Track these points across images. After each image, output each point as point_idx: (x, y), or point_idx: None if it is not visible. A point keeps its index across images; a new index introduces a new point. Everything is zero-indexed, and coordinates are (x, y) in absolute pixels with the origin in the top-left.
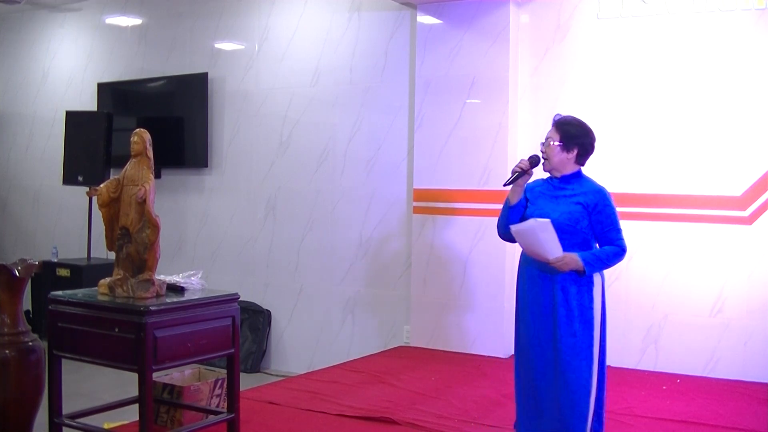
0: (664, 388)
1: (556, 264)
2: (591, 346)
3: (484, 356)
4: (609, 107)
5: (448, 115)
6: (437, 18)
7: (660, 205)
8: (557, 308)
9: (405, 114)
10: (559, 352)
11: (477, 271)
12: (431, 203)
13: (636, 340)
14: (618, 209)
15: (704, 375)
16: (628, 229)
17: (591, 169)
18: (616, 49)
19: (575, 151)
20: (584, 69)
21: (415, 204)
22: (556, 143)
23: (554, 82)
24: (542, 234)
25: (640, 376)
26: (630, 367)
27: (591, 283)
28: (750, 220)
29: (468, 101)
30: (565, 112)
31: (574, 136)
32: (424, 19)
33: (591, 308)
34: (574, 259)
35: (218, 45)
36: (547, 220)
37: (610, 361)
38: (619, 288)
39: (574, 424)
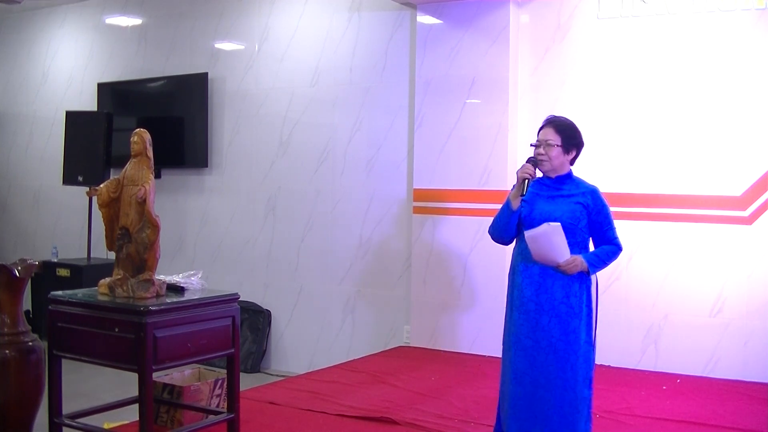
0: (664, 388)
1: (565, 267)
2: (589, 342)
3: (484, 356)
4: (609, 107)
5: (448, 115)
6: (437, 18)
7: (660, 205)
8: (560, 306)
9: (405, 114)
10: (562, 351)
11: (477, 271)
12: (431, 203)
13: (636, 340)
14: (618, 209)
15: (704, 375)
16: (629, 229)
17: (591, 169)
18: (616, 49)
19: (573, 153)
20: (584, 69)
21: (415, 204)
22: (558, 145)
23: (554, 82)
24: (554, 238)
25: (640, 376)
26: (630, 367)
27: (589, 281)
28: (750, 220)
29: (468, 101)
30: (565, 112)
31: (573, 138)
32: (424, 19)
33: (590, 306)
34: (581, 261)
35: (218, 45)
36: (558, 224)
37: (610, 361)
38: (619, 288)
39: (577, 422)
